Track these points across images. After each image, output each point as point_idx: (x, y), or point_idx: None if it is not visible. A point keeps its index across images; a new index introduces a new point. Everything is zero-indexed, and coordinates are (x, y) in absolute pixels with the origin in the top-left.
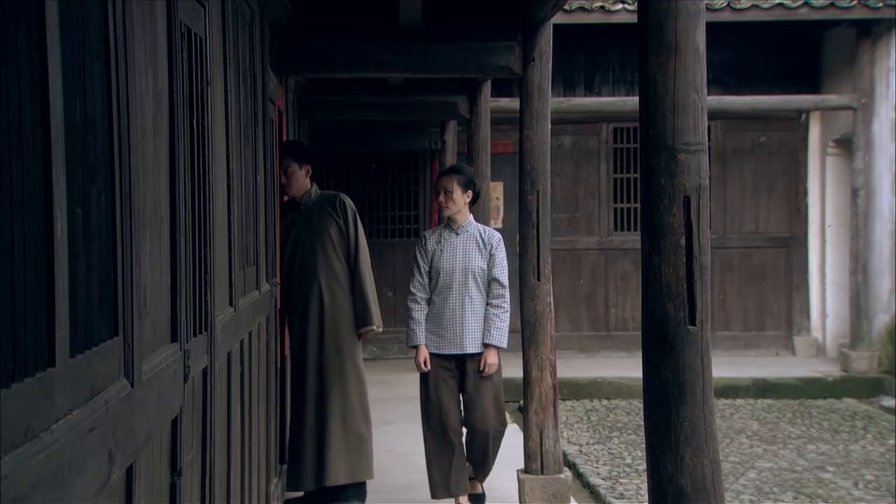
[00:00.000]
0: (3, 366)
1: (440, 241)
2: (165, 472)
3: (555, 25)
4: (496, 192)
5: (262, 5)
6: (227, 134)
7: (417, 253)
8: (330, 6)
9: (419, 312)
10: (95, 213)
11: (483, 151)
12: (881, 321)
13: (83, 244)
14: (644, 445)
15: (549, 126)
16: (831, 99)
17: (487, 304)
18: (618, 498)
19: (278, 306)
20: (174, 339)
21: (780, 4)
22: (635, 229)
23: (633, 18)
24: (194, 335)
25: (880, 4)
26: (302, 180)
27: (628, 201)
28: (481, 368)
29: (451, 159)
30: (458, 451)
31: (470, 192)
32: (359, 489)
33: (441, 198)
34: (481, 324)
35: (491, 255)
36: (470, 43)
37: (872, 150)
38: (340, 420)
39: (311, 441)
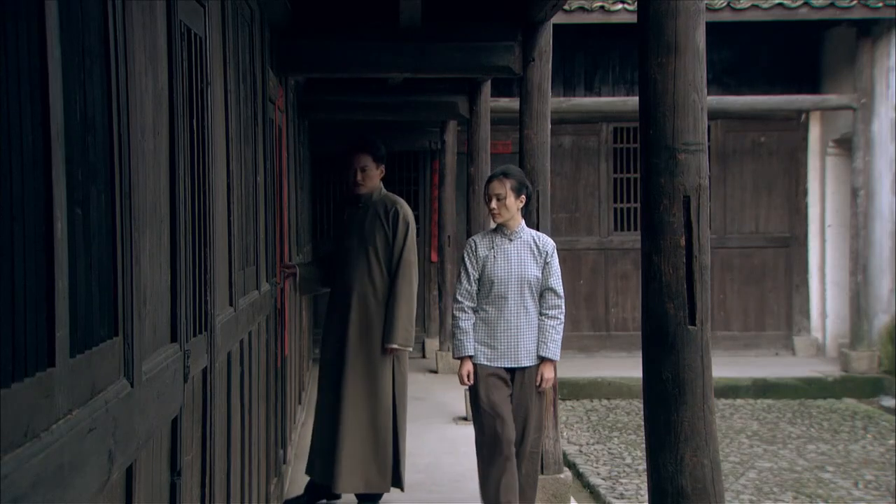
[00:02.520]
0: (3, 366)
1: (493, 248)
2: (165, 472)
3: (555, 25)
4: None
5: (261, 5)
6: (227, 134)
7: (466, 259)
8: (330, 6)
9: (466, 322)
10: (95, 213)
11: (483, 151)
12: (881, 321)
13: (83, 244)
14: (644, 445)
15: (549, 126)
16: (831, 99)
17: (542, 314)
18: (618, 498)
19: (278, 306)
20: (174, 339)
21: (780, 4)
22: (635, 229)
23: (633, 18)
24: (194, 335)
25: (880, 4)
26: (376, 180)
27: (628, 201)
28: (538, 383)
29: (451, 159)
30: (511, 465)
31: (523, 197)
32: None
33: (493, 204)
34: (536, 336)
35: (546, 264)
36: (470, 43)
37: (872, 149)
38: (351, 430)
39: (327, 443)
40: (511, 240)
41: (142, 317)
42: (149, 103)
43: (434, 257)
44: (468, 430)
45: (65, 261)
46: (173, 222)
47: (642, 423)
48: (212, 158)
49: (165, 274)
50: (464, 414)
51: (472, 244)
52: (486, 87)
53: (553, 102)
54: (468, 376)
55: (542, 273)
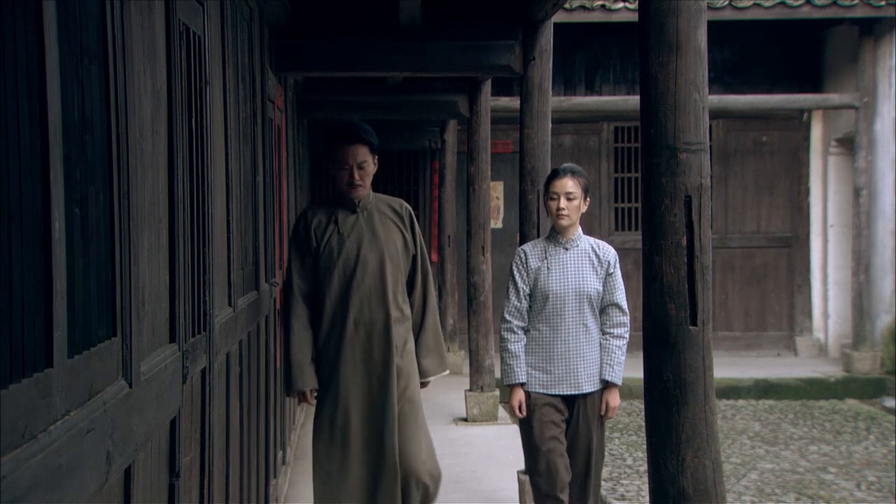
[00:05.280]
0: (1, 367)
1: (546, 258)
2: (164, 473)
3: (555, 24)
4: (496, 192)
5: (261, 4)
6: (226, 133)
7: (515, 272)
8: (329, 5)
9: (516, 344)
10: (93, 213)
11: (483, 151)
12: (884, 321)
13: (81, 244)
14: (645, 446)
15: (550, 125)
16: (833, 98)
17: (606, 332)
18: (619, 499)
19: (277, 307)
20: (173, 339)
21: (782, 3)
22: (636, 229)
23: (634, 17)
24: (193, 335)
25: (882, 3)
26: (371, 178)
27: (629, 201)
28: (603, 412)
29: (451, 159)
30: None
31: (588, 200)
32: None
33: (562, 204)
34: (598, 357)
35: (609, 275)
36: (470, 42)
37: (875, 149)
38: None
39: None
40: (567, 248)
41: (140, 317)
42: (147, 103)
43: (434, 257)
44: (468, 431)
45: (63, 261)
46: (172, 222)
47: (643, 424)
48: (211, 158)
49: (164, 274)
50: (464, 415)
51: (522, 255)
52: (487, 87)
53: (553, 101)
54: (521, 407)
55: (605, 286)
